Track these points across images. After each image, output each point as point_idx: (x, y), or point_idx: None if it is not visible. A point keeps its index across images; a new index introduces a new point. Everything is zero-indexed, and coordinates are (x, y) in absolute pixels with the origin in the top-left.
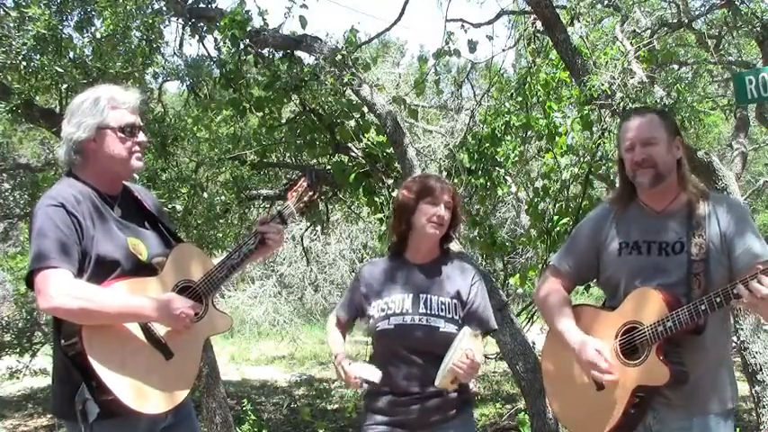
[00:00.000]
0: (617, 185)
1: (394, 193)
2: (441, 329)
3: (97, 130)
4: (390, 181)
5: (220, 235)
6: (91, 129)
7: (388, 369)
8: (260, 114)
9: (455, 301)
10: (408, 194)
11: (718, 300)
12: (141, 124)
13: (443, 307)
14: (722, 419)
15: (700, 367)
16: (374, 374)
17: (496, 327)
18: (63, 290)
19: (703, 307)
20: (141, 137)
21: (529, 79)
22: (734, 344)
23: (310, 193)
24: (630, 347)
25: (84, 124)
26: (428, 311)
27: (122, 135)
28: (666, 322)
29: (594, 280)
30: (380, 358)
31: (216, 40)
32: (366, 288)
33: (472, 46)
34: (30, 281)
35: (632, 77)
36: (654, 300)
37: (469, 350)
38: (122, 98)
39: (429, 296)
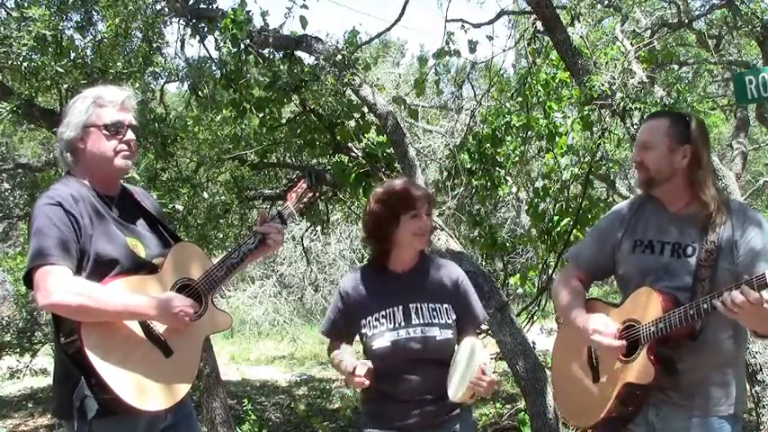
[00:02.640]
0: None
1: None
2: (437, 338)
3: (83, 129)
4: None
5: (221, 235)
6: (77, 127)
7: (387, 381)
8: (260, 114)
9: (446, 305)
10: (386, 209)
11: (705, 306)
12: (132, 122)
13: (435, 313)
14: (726, 423)
15: (699, 371)
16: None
17: (487, 316)
18: (62, 286)
19: (692, 312)
20: (129, 135)
21: (529, 79)
22: None
23: (310, 195)
24: (630, 343)
25: (72, 123)
26: (421, 321)
27: (107, 133)
28: (659, 323)
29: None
30: (379, 372)
31: (216, 40)
32: (352, 306)
33: (472, 46)
34: (28, 278)
35: (632, 77)
36: (652, 300)
37: (484, 364)
38: (109, 96)
39: (419, 305)
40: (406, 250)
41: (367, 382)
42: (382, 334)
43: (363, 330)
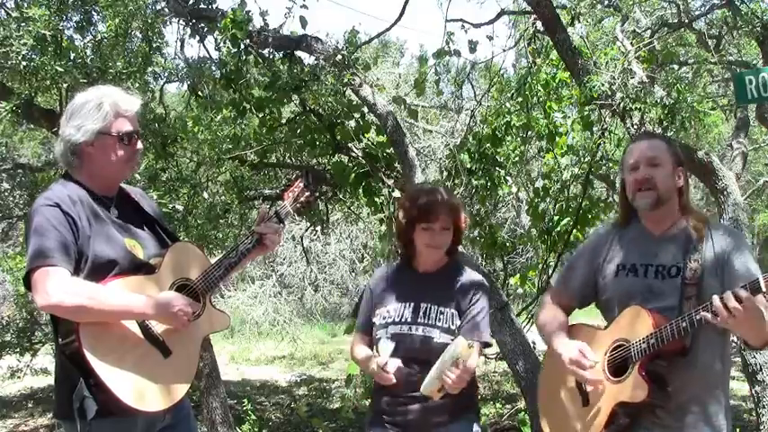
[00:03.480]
0: (617, 203)
1: (395, 194)
2: (435, 340)
3: (97, 135)
4: (390, 181)
5: (221, 235)
6: (91, 133)
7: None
8: (260, 115)
9: (453, 311)
10: (406, 216)
11: (697, 317)
12: (140, 131)
13: (441, 317)
14: None
15: (688, 390)
16: (388, 347)
17: (490, 341)
18: (60, 287)
19: (684, 324)
20: (139, 145)
21: (529, 79)
22: (734, 344)
23: (307, 194)
24: (619, 365)
25: (85, 128)
26: (426, 321)
27: (121, 143)
28: (650, 339)
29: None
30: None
31: (216, 40)
32: (374, 297)
33: (472, 46)
34: (27, 280)
35: (632, 77)
36: (642, 318)
37: (460, 360)
38: (126, 105)
39: (429, 305)
40: (423, 256)
41: (394, 380)
42: (386, 326)
43: (374, 319)
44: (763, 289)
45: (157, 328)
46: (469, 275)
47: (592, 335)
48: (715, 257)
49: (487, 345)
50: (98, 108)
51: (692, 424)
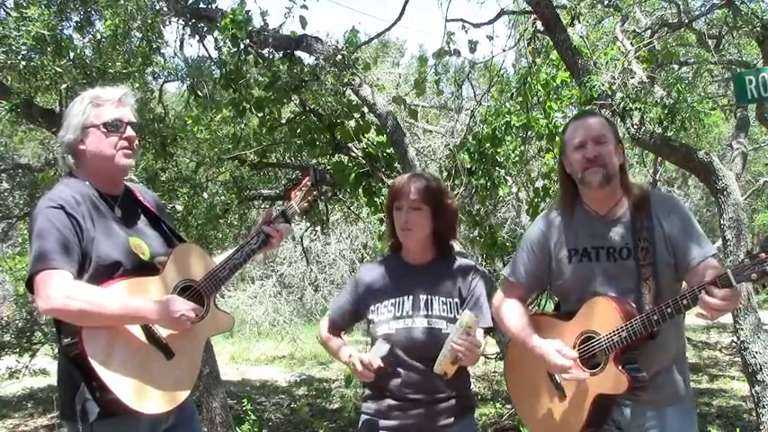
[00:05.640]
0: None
1: None
2: (443, 331)
3: (82, 130)
4: (390, 181)
5: (220, 235)
6: (76, 129)
7: (386, 377)
8: (260, 114)
9: (456, 300)
10: (387, 200)
11: (669, 311)
12: (131, 119)
13: (445, 308)
14: (693, 406)
15: (656, 365)
16: (383, 349)
17: (492, 324)
18: (62, 291)
19: (656, 317)
20: (129, 132)
21: (529, 79)
22: (734, 344)
23: (315, 192)
24: (589, 355)
25: (72, 126)
26: (429, 313)
27: (106, 131)
28: (621, 332)
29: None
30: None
31: (216, 40)
32: (365, 291)
33: (472, 46)
34: (30, 283)
35: (632, 77)
36: (608, 309)
37: (469, 328)
38: (105, 95)
39: (430, 297)
40: (404, 243)
41: (372, 377)
42: (388, 321)
43: (370, 316)
44: (734, 284)
45: (160, 330)
46: (464, 262)
47: (555, 326)
48: (663, 233)
49: (490, 329)
50: (80, 103)
51: (667, 393)
